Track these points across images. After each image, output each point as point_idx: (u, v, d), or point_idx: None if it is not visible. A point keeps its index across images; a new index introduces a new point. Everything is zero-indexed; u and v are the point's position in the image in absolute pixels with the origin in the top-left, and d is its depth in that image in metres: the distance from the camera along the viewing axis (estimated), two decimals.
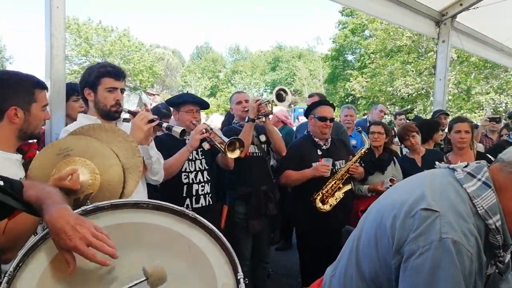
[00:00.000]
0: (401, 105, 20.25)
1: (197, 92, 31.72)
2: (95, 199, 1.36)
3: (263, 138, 2.93)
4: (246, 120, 2.69)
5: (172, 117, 2.84)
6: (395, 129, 4.93)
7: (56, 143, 1.50)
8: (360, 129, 3.40)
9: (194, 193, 2.46)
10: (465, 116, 4.99)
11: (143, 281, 0.86)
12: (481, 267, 0.98)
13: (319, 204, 2.70)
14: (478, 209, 0.99)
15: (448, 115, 4.81)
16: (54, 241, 0.89)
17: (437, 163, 1.25)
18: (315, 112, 2.90)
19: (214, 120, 5.24)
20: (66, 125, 2.08)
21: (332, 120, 2.89)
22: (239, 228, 2.76)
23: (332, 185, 2.75)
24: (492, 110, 16.84)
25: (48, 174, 1.35)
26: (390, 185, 2.91)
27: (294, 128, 4.96)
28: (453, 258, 0.90)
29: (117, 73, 1.76)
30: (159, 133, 2.88)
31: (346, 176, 2.83)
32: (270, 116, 2.89)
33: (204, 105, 2.67)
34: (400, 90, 19.03)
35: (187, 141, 2.28)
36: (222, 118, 4.81)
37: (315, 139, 2.90)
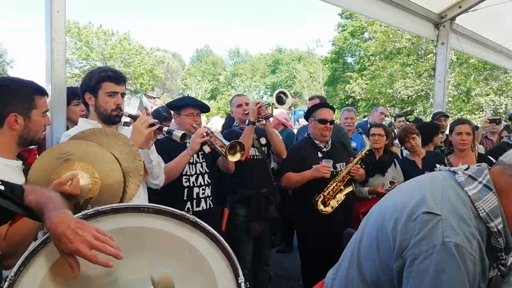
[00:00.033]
0: (401, 107, 20.27)
1: (197, 95, 31.80)
2: (96, 203, 1.36)
3: (263, 140, 2.93)
4: (246, 123, 2.69)
5: (173, 120, 2.84)
6: (395, 131, 4.93)
7: (57, 147, 1.50)
8: (361, 130, 3.40)
9: (195, 196, 2.45)
10: (466, 118, 4.99)
11: None
12: (484, 270, 0.98)
13: (321, 206, 2.70)
14: (479, 212, 0.99)
15: (448, 117, 4.81)
16: (56, 246, 0.89)
17: (437, 165, 1.25)
18: (315, 115, 2.91)
19: (214, 123, 5.26)
20: (67, 129, 2.09)
21: (332, 122, 2.90)
22: (240, 231, 2.75)
23: (334, 187, 2.75)
24: (492, 112, 16.84)
25: (48, 178, 1.35)
26: (389, 187, 2.91)
27: (295, 131, 4.97)
28: (457, 262, 0.90)
29: (118, 78, 1.77)
30: (159, 136, 2.88)
31: (347, 178, 2.82)
32: (271, 119, 2.89)
33: (205, 109, 2.68)
34: (400, 92, 19.05)
35: (187, 144, 2.28)
36: (222, 121, 4.82)
37: (315, 141, 2.90)
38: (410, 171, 3.18)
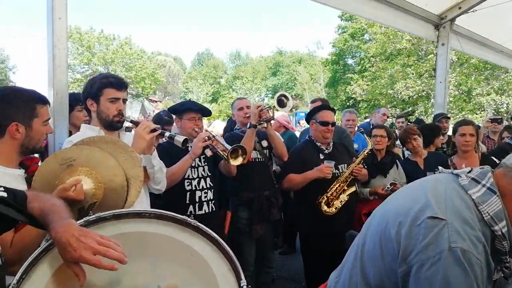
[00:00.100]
0: (402, 107, 20.24)
1: (198, 98, 31.88)
2: (100, 208, 1.37)
3: (265, 143, 2.94)
4: (248, 126, 2.70)
5: (174, 124, 2.85)
6: (396, 132, 4.93)
7: (59, 153, 1.51)
8: (362, 129, 3.39)
9: (197, 200, 2.46)
10: (470, 119, 4.96)
11: None
12: (490, 273, 0.98)
13: (325, 208, 2.69)
14: (483, 215, 0.98)
15: (449, 118, 4.80)
16: (62, 256, 0.89)
17: (440, 167, 1.24)
18: (316, 117, 2.91)
19: (216, 126, 5.28)
20: (70, 134, 2.10)
21: (333, 124, 2.90)
22: (242, 234, 2.75)
23: (337, 187, 2.75)
24: (493, 111, 16.78)
25: (52, 184, 1.36)
26: (388, 188, 2.91)
27: (296, 133, 4.97)
28: (465, 268, 0.90)
29: (119, 84, 1.78)
30: (161, 141, 2.89)
31: (350, 178, 2.82)
32: (272, 122, 2.90)
33: (206, 113, 2.68)
34: (400, 93, 19.02)
35: (189, 148, 2.29)
36: (224, 124, 4.83)
37: (317, 143, 2.91)
38: (411, 171, 3.18)
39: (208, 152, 2.47)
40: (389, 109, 18.47)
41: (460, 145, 2.98)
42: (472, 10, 4.55)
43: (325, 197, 2.71)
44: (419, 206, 1.02)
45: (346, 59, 28.64)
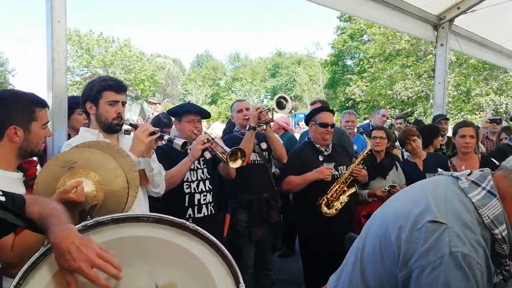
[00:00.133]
0: (401, 108, 20.26)
1: (198, 100, 31.91)
2: (101, 210, 1.37)
3: (264, 145, 2.94)
4: (247, 128, 2.70)
5: (174, 126, 2.85)
6: (396, 133, 4.93)
7: (60, 156, 1.51)
8: (362, 130, 3.39)
9: (196, 202, 2.45)
10: (470, 121, 4.97)
11: None
12: (490, 277, 0.98)
13: (325, 209, 2.69)
14: (484, 219, 0.98)
15: (448, 120, 4.80)
16: (58, 261, 0.88)
17: (439, 170, 1.24)
18: (315, 119, 2.91)
19: (215, 128, 5.27)
20: (69, 137, 2.10)
21: (333, 126, 2.90)
22: (241, 236, 2.75)
23: (337, 189, 2.75)
24: (492, 111, 16.80)
25: (53, 187, 1.35)
26: (386, 189, 2.91)
27: (296, 135, 4.97)
28: (466, 272, 0.90)
29: (118, 87, 1.78)
30: (160, 143, 2.89)
31: (350, 179, 2.82)
32: (271, 124, 2.90)
33: (205, 115, 2.68)
34: (400, 94, 19.06)
35: (188, 150, 2.28)
36: (223, 126, 4.83)
37: (316, 145, 2.91)
38: (411, 173, 3.18)
39: (207, 155, 2.47)
40: (388, 110, 18.52)
41: (460, 146, 2.98)
42: (471, 10, 4.56)
43: (325, 199, 2.71)
44: (419, 209, 1.02)
45: (345, 60, 28.68)
